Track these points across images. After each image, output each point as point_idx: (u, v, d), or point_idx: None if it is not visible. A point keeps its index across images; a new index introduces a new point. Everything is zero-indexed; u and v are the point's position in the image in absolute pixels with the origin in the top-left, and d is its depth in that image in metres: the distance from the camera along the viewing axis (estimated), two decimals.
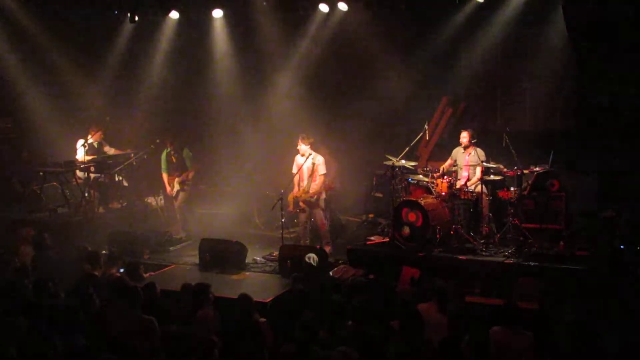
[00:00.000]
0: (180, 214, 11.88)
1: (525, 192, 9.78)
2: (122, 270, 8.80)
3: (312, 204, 10.39)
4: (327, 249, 10.26)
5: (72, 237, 10.56)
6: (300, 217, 10.70)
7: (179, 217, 11.87)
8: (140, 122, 13.48)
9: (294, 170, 10.50)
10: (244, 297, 7.03)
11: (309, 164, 10.34)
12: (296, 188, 10.55)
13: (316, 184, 10.34)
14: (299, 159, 10.48)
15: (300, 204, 10.41)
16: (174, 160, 11.75)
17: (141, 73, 13.61)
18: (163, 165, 11.82)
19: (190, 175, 11.84)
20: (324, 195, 10.51)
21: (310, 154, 10.30)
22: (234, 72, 13.22)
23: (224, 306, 7.36)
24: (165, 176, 11.81)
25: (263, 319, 7.11)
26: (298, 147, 10.33)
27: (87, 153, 11.87)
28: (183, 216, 11.89)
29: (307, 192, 10.36)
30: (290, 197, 10.52)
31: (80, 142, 11.91)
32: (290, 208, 10.56)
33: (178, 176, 11.72)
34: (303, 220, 10.63)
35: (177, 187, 11.72)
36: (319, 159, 10.34)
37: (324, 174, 10.37)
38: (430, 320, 6.53)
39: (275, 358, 5.97)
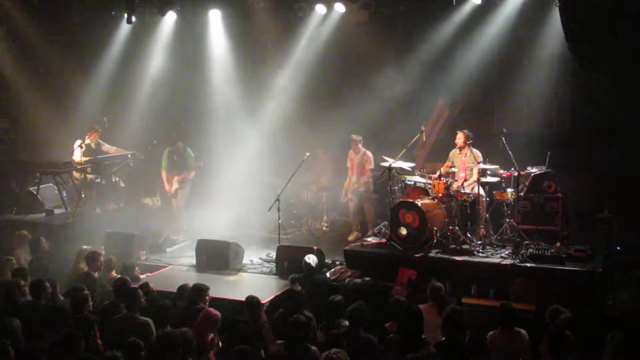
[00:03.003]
0: (178, 214, 11.87)
1: (521, 194, 9.80)
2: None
3: (361, 194, 11.28)
4: (370, 232, 11.06)
5: (68, 238, 10.55)
6: (350, 207, 11.57)
7: (177, 217, 11.86)
8: (137, 123, 13.46)
9: (348, 165, 11.51)
10: (252, 299, 7.03)
11: (359, 160, 11.31)
12: (348, 181, 11.52)
13: (364, 178, 11.32)
14: (351, 155, 11.49)
15: (349, 194, 11.41)
16: (176, 159, 11.76)
17: (138, 74, 13.58)
18: (163, 163, 11.82)
19: (191, 175, 11.85)
20: (371, 187, 11.38)
21: (362, 151, 11.33)
22: (231, 72, 13.21)
23: (220, 307, 7.33)
24: (164, 174, 11.83)
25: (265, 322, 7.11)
26: (356, 146, 11.30)
27: (84, 154, 11.86)
28: (181, 216, 11.88)
29: (356, 184, 11.31)
30: (343, 188, 11.62)
31: (77, 142, 11.90)
32: (343, 198, 11.66)
33: (177, 175, 11.72)
34: (352, 209, 11.53)
35: (176, 185, 11.72)
36: (368, 155, 11.31)
37: (372, 169, 11.32)
38: (429, 321, 6.54)
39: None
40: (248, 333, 6.34)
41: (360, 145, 11.32)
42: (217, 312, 6.71)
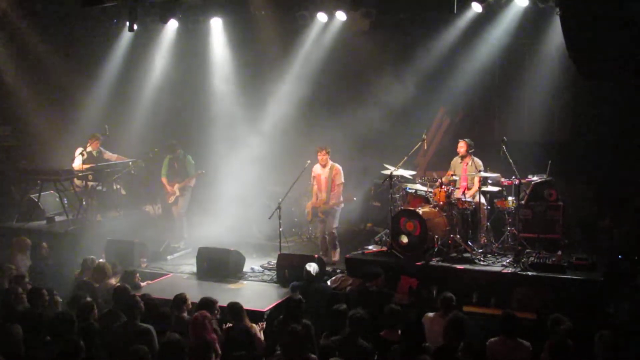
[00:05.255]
0: (179, 222, 11.86)
1: (523, 202, 9.80)
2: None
3: (329, 213, 10.44)
4: (335, 253, 10.41)
5: (69, 246, 10.54)
6: (319, 228, 10.76)
7: (178, 225, 11.85)
8: (138, 130, 13.49)
9: (313, 181, 10.69)
10: (233, 305, 7.04)
11: (328, 174, 10.44)
12: (314, 198, 10.65)
13: (335, 194, 10.43)
14: (317, 169, 10.60)
15: (320, 214, 10.49)
16: (176, 167, 11.77)
17: (140, 81, 13.62)
18: (164, 170, 11.83)
19: (192, 182, 11.86)
20: (342, 205, 10.59)
21: (330, 164, 10.46)
22: (232, 80, 13.23)
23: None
24: (164, 180, 11.82)
25: (254, 326, 7.12)
26: (319, 158, 10.45)
27: (86, 161, 11.85)
28: (182, 224, 11.87)
29: (327, 202, 10.42)
30: (308, 207, 10.72)
31: (79, 150, 11.91)
32: (309, 218, 10.74)
33: (178, 182, 11.72)
34: (322, 230, 10.66)
35: (176, 193, 11.72)
36: (337, 168, 10.47)
37: (342, 183, 10.47)
38: (436, 331, 6.52)
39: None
40: (240, 338, 6.36)
41: (327, 158, 10.43)
42: (205, 313, 6.66)
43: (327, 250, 10.60)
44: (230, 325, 6.90)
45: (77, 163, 11.86)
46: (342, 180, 10.49)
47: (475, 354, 5.76)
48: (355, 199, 10.93)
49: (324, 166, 10.51)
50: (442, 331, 6.28)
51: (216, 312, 7.11)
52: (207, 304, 7.03)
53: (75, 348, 5.73)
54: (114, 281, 8.71)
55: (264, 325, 7.51)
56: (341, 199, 10.53)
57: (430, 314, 7.18)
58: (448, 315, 7.03)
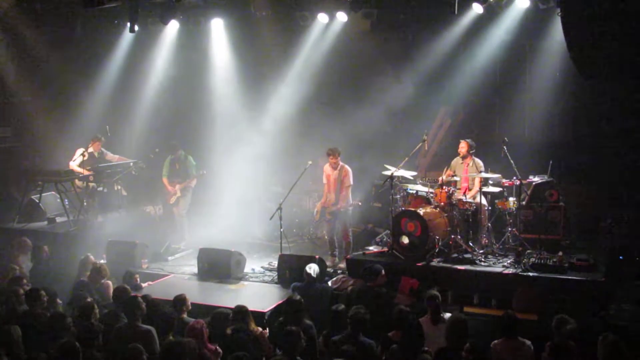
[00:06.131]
0: (180, 222, 11.87)
1: (524, 203, 9.80)
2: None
3: (338, 215, 10.40)
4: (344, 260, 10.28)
5: (70, 247, 10.55)
6: (325, 228, 10.76)
7: (179, 226, 11.86)
8: (139, 131, 13.50)
9: (324, 180, 10.62)
10: (240, 309, 7.03)
11: (337, 175, 10.39)
12: (324, 198, 10.62)
13: (343, 196, 10.37)
14: (327, 169, 10.57)
15: (327, 215, 10.46)
16: (177, 167, 11.78)
17: (141, 82, 13.62)
18: (164, 170, 11.83)
19: (193, 183, 11.86)
20: (351, 208, 10.54)
21: (340, 165, 10.41)
22: (233, 81, 13.24)
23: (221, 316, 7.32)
24: (165, 181, 11.83)
25: (260, 329, 7.11)
26: (334, 160, 10.37)
27: (87, 163, 11.82)
28: (182, 225, 11.88)
29: (335, 204, 10.38)
30: (318, 207, 10.69)
31: (80, 151, 11.91)
32: (317, 217, 10.73)
33: (179, 183, 11.73)
34: (328, 231, 10.67)
35: (177, 193, 11.73)
36: (347, 170, 10.41)
37: (350, 185, 10.42)
38: (427, 331, 6.55)
39: None
40: (244, 341, 6.34)
41: (338, 159, 10.38)
42: (200, 321, 6.65)
43: (334, 251, 10.55)
44: (236, 327, 6.88)
45: (74, 164, 11.85)
46: (351, 182, 10.44)
47: (479, 355, 5.76)
48: (360, 203, 10.92)
49: (334, 168, 10.49)
50: (445, 332, 6.28)
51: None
52: (220, 316, 6.99)
53: (72, 349, 5.72)
54: (105, 281, 8.69)
55: (267, 330, 7.52)
56: (350, 201, 10.49)
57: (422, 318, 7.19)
58: (432, 314, 7.10)
